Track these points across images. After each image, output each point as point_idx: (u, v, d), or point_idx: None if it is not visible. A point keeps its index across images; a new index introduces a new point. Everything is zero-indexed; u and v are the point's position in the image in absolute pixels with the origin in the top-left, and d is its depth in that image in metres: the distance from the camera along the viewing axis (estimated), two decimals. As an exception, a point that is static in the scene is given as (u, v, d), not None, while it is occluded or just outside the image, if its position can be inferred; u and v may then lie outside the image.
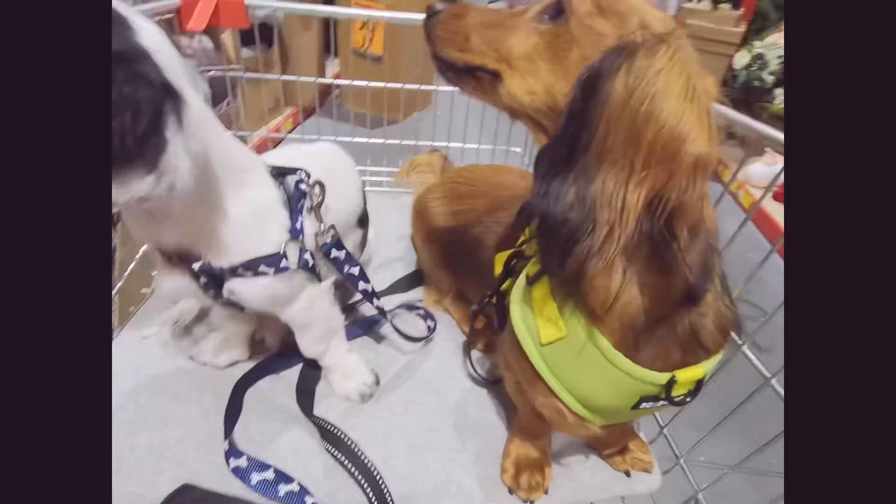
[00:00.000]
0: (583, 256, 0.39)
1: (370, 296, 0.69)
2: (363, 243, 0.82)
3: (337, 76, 2.60)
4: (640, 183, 0.37)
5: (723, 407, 0.61)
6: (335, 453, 0.60)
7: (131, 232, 0.54)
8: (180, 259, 0.54)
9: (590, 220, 0.38)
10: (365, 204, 0.79)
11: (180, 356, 0.72)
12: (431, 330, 0.79)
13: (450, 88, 0.70)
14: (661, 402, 0.49)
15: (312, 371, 0.70)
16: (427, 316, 0.82)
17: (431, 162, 1.13)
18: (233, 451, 0.58)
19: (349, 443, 0.61)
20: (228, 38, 1.63)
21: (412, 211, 0.90)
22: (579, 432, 0.56)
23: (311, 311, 0.64)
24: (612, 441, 0.66)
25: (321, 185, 0.61)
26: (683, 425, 0.70)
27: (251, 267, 0.55)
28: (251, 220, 0.54)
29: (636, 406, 0.49)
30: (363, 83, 1.23)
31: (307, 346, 0.67)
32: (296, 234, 0.57)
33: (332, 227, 0.62)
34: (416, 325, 0.82)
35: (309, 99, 2.39)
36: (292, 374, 0.70)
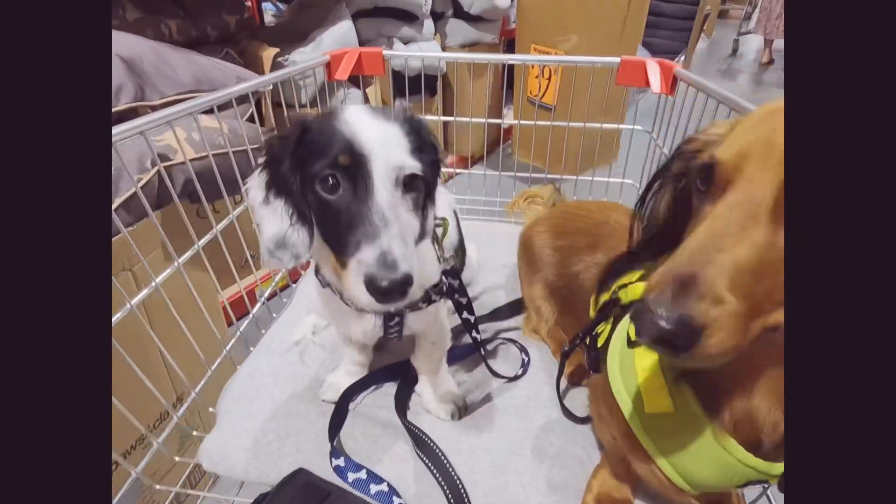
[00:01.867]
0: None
1: (472, 326, 0.74)
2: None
3: (510, 127, 2.60)
4: None
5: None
6: (425, 460, 0.67)
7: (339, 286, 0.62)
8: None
9: None
10: (461, 238, 0.86)
11: (308, 364, 0.85)
12: (524, 367, 0.82)
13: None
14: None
15: (407, 386, 0.78)
16: (522, 349, 0.85)
17: (543, 194, 1.16)
18: (334, 452, 0.67)
19: (438, 452, 0.67)
20: (373, 92, 1.83)
21: (519, 241, 0.95)
22: (673, 497, 0.54)
23: (443, 327, 0.74)
24: (707, 499, 0.63)
25: (446, 220, 0.68)
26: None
27: (427, 299, 0.64)
28: (423, 258, 0.62)
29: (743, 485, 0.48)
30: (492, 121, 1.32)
31: (427, 364, 0.75)
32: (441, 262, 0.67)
33: (453, 256, 0.70)
34: (511, 355, 0.86)
35: (476, 147, 2.44)
36: (393, 388, 0.79)
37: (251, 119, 1.16)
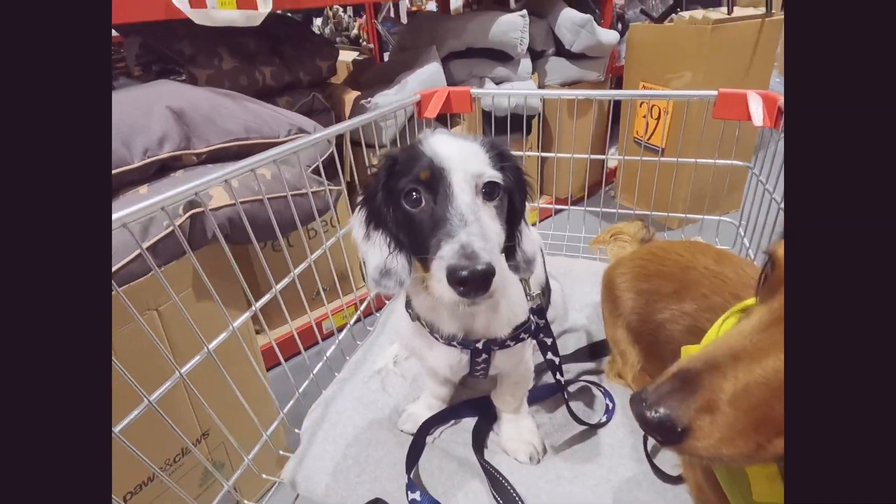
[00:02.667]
0: None
1: (556, 368, 0.73)
2: None
3: (614, 169, 2.50)
4: None
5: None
6: (500, 502, 0.65)
7: (441, 325, 0.63)
8: (461, 341, 0.64)
9: None
10: (547, 276, 0.84)
11: (389, 393, 0.87)
12: (608, 413, 0.78)
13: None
14: None
15: (486, 423, 0.77)
16: (606, 394, 0.81)
17: (629, 230, 1.12)
18: (410, 485, 0.67)
19: (515, 496, 0.66)
20: (460, 131, 1.87)
21: (602, 281, 0.92)
22: None
23: (528, 367, 0.73)
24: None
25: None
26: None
27: (515, 337, 0.65)
28: (511, 295, 0.65)
29: None
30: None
31: (508, 402, 0.74)
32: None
33: (540, 294, 0.70)
34: (594, 399, 0.83)
35: (575, 189, 2.31)
36: (471, 423, 0.78)
37: (331, 158, 1.20)
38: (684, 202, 1.23)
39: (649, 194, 1.28)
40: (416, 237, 0.52)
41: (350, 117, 0.97)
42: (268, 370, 1.05)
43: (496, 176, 0.52)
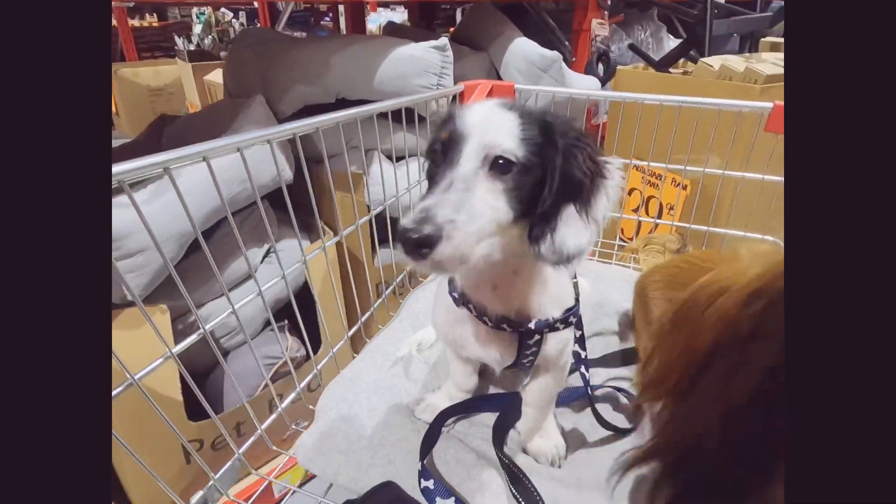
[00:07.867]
0: None
1: (582, 362, 0.70)
2: None
3: None
4: None
5: None
6: (520, 500, 0.63)
7: (488, 305, 0.60)
8: (509, 324, 0.60)
9: None
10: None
11: (410, 378, 0.85)
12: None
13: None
14: None
15: (507, 420, 0.74)
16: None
17: (664, 241, 1.09)
18: (424, 473, 0.65)
19: (536, 494, 0.63)
20: None
21: (634, 289, 0.89)
22: None
23: (567, 360, 0.70)
24: None
25: None
26: None
27: (566, 320, 0.62)
28: (559, 280, 0.62)
29: None
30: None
31: (538, 395, 0.71)
32: None
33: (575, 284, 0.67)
34: (621, 406, 0.80)
35: None
36: (490, 419, 0.75)
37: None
38: (727, 218, 1.18)
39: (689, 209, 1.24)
40: None
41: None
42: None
43: (511, 151, 0.48)
